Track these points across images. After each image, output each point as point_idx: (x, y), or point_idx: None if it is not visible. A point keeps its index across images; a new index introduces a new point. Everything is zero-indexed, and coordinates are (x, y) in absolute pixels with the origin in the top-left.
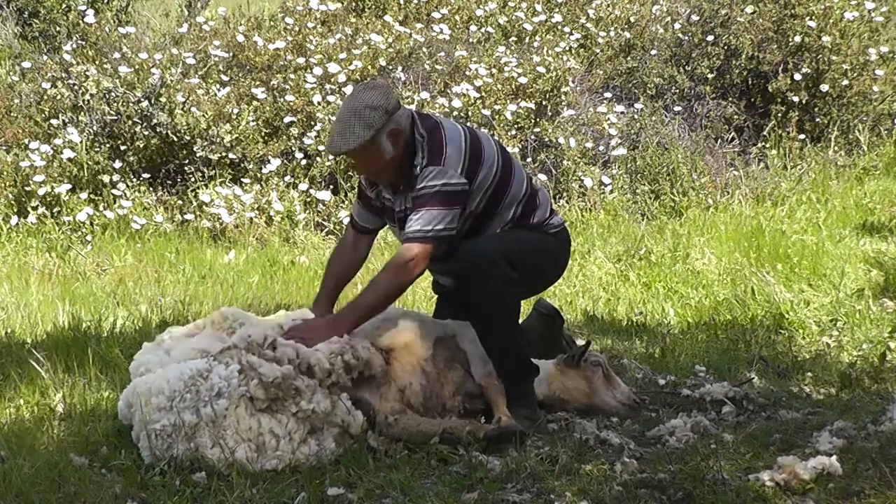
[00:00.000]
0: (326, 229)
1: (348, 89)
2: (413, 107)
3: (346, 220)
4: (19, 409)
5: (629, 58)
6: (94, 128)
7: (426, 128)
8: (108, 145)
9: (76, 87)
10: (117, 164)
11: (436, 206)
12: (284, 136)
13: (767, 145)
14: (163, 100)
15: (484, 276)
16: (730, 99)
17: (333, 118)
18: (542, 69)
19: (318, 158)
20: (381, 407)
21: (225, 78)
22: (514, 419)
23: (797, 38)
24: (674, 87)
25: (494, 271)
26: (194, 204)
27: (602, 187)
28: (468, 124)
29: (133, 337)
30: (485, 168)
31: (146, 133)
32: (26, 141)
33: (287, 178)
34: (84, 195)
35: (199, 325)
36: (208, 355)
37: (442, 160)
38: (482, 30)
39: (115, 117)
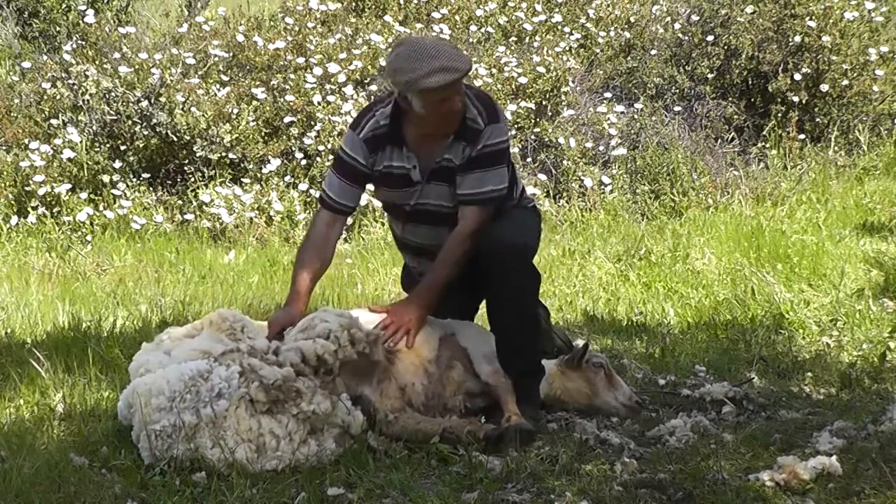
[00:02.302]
0: None
1: (348, 89)
2: None
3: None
4: (19, 409)
5: (629, 58)
6: (94, 128)
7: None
8: (108, 145)
9: (76, 87)
10: (117, 164)
11: (500, 163)
12: (284, 136)
13: (767, 145)
14: (163, 100)
15: (511, 270)
16: (730, 99)
17: (411, 58)
18: (542, 69)
19: (318, 158)
20: (382, 404)
21: (225, 78)
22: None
23: (797, 38)
24: (674, 87)
25: (523, 267)
26: (194, 204)
27: (602, 187)
28: None
29: (133, 337)
30: None
31: (146, 133)
32: (26, 141)
33: (287, 178)
34: (84, 195)
35: (197, 327)
36: (209, 356)
37: (498, 117)
38: (482, 30)
39: (115, 117)
